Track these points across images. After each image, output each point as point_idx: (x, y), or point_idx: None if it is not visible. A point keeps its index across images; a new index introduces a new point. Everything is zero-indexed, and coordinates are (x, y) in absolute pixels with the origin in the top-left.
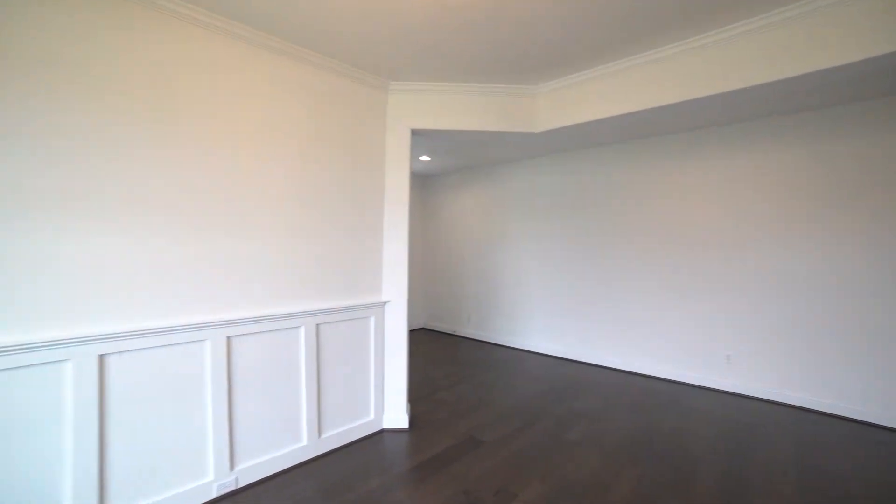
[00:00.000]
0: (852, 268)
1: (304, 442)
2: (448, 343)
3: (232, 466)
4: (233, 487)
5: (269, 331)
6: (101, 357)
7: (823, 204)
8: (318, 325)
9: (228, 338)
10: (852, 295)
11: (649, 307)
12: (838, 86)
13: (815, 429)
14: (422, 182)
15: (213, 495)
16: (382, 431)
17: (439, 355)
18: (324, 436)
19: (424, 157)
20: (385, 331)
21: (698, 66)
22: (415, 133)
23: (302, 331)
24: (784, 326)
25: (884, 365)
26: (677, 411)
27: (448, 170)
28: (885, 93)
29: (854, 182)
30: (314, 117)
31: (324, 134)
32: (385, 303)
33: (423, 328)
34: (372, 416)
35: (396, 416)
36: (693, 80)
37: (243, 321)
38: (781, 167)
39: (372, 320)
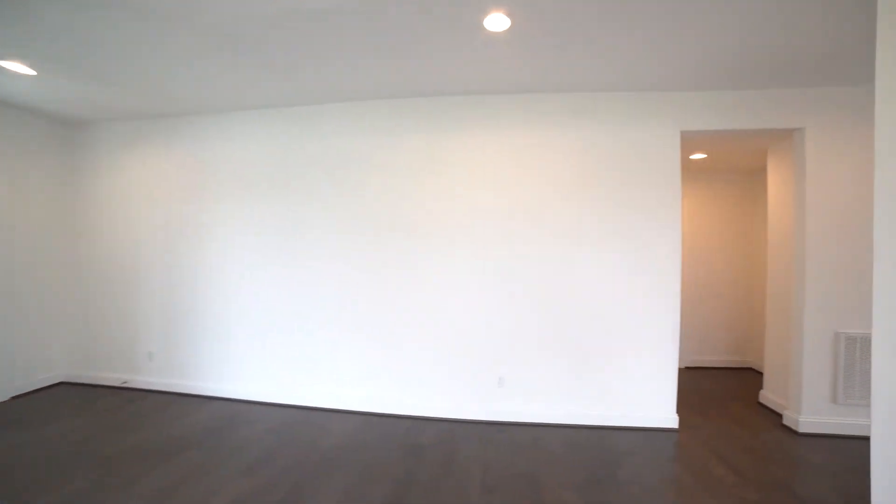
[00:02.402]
0: (619, 272)
1: None
2: (109, 407)
3: None
4: None
5: None
6: None
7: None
8: None
9: None
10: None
11: (410, 324)
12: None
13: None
14: (64, 134)
15: None
16: None
17: (73, 440)
18: None
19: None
20: None
21: None
22: None
23: None
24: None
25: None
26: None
27: (113, 114)
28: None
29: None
30: None
31: None
32: None
33: (62, 383)
34: None
35: None
36: None
37: None
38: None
39: None
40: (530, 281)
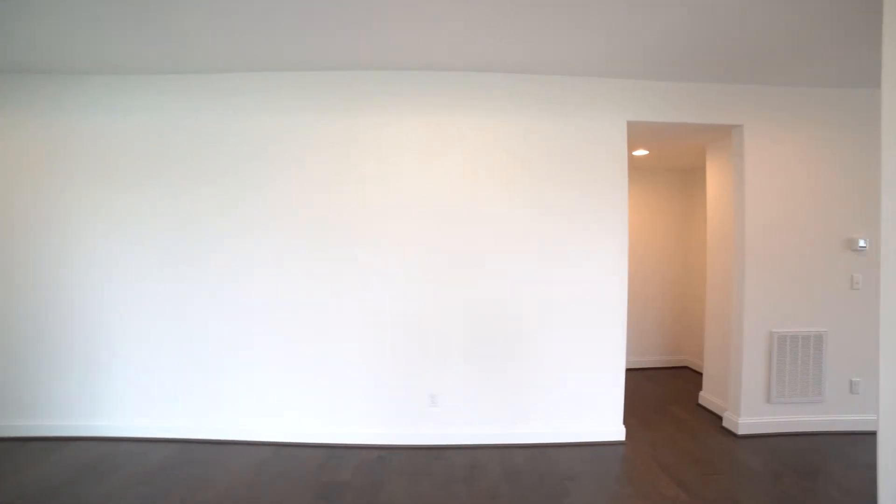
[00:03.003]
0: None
1: None
2: None
3: None
4: None
5: None
6: None
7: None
8: None
9: None
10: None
11: (314, 338)
12: None
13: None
14: None
15: None
16: None
17: None
18: None
19: None
20: None
21: None
22: None
23: None
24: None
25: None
26: None
27: None
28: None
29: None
30: None
31: None
32: None
33: None
34: None
35: None
36: None
37: None
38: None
39: None
40: (465, 288)
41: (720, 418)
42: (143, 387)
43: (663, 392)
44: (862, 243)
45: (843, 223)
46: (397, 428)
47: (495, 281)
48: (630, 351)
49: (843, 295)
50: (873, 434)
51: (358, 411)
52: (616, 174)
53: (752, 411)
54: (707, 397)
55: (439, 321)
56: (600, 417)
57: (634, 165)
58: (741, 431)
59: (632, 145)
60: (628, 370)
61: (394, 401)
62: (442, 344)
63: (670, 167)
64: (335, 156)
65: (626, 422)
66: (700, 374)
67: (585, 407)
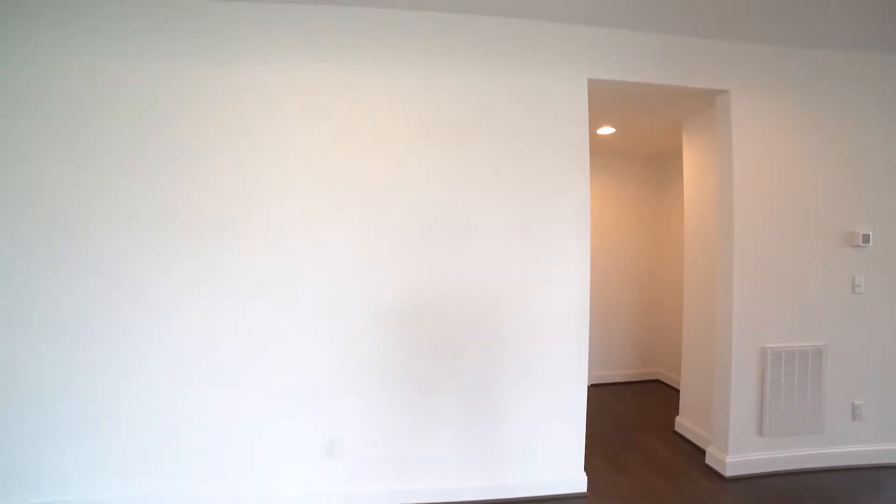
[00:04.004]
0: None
1: None
2: None
3: None
4: None
5: None
6: None
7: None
8: None
9: None
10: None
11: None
12: None
13: None
14: None
15: None
16: None
17: None
18: None
19: None
20: None
21: None
22: None
23: None
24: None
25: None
26: None
27: None
28: None
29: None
30: None
31: None
32: None
33: None
34: None
35: None
36: None
37: None
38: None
39: None
40: (374, 296)
41: (701, 451)
42: None
43: (633, 415)
44: (864, 238)
45: (842, 213)
46: (280, 489)
47: (413, 285)
48: (594, 364)
49: (843, 300)
50: (888, 468)
51: (229, 466)
52: (574, 143)
53: (741, 447)
54: (685, 423)
55: (350, 345)
56: (558, 462)
57: (599, 151)
58: (729, 472)
59: (596, 122)
60: (592, 386)
61: (276, 448)
62: (349, 373)
63: (640, 152)
64: (199, 127)
65: (589, 461)
66: (674, 390)
67: (538, 449)
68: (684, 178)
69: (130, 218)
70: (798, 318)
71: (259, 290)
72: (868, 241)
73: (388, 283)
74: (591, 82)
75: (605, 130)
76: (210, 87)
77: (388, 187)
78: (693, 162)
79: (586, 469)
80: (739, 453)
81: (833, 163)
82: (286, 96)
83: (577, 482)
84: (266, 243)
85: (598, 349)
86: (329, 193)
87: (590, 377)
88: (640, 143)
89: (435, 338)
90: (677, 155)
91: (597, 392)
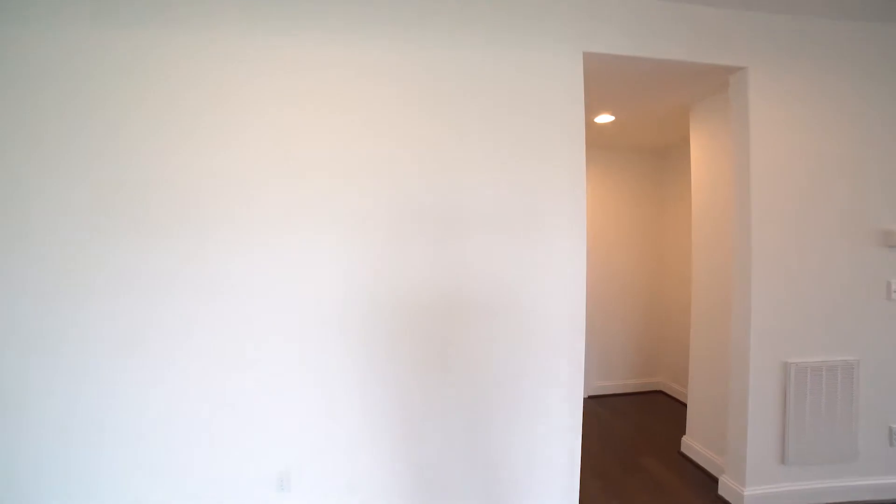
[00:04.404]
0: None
1: None
2: None
3: None
4: None
5: None
6: None
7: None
8: None
9: None
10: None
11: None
12: None
13: None
14: None
15: None
16: None
17: None
18: None
19: None
20: None
21: None
22: None
23: None
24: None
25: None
26: None
27: None
28: None
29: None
30: None
31: None
32: None
33: None
34: None
35: None
36: None
37: None
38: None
39: None
40: (341, 313)
41: (713, 479)
42: None
43: (634, 432)
44: None
45: (874, 209)
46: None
47: (398, 304)
48: (595, 375)
49: (878, 308)
50: None
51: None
52: (568, 123)
53: (761, 477)
54: (692, 445)
55: (316, 365)
56: (546, 490)
57: (597, 143)
58: None
59: (593, 108)
60: (589, 398)
61: (216, 483)
62: (309, 392)
63: (642, 144)
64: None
65: (585, 488)
66: (678, 402)
67: (526, 482)
68: (692, 170)
69: (70, 214)
70: (825, 329)
71: (219, 294)
72: None
73: (368, 299)
74: (587, 57)
75: (604, 118)
76: (244, 74)
77: (361, 171)
78: (701, 152)
79: (582, 500)
80: (759, 484)
81: (863, 151)
82: (255, 73)
83: None
84: (224, 241)
85: (597, 360)
86: (299, 186)
87: (587, 388)
88: (642, 133)
89: (408, 340)
90: (679, 146)
91: (594, 405)
